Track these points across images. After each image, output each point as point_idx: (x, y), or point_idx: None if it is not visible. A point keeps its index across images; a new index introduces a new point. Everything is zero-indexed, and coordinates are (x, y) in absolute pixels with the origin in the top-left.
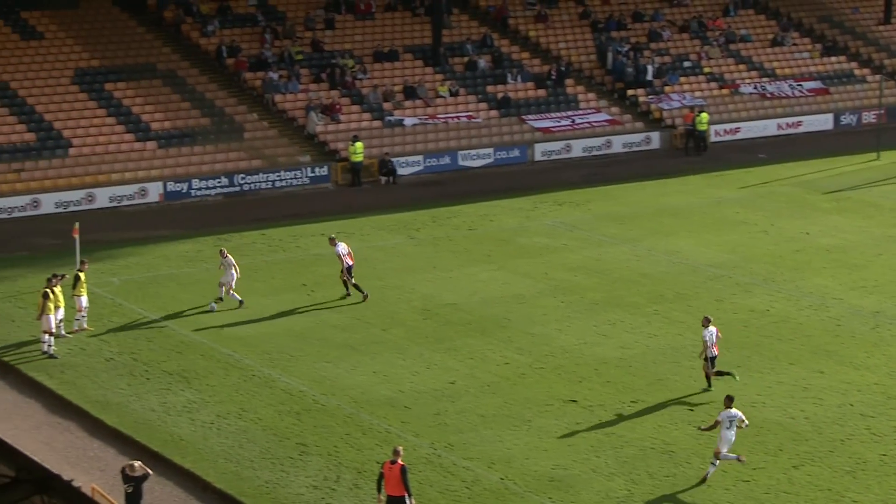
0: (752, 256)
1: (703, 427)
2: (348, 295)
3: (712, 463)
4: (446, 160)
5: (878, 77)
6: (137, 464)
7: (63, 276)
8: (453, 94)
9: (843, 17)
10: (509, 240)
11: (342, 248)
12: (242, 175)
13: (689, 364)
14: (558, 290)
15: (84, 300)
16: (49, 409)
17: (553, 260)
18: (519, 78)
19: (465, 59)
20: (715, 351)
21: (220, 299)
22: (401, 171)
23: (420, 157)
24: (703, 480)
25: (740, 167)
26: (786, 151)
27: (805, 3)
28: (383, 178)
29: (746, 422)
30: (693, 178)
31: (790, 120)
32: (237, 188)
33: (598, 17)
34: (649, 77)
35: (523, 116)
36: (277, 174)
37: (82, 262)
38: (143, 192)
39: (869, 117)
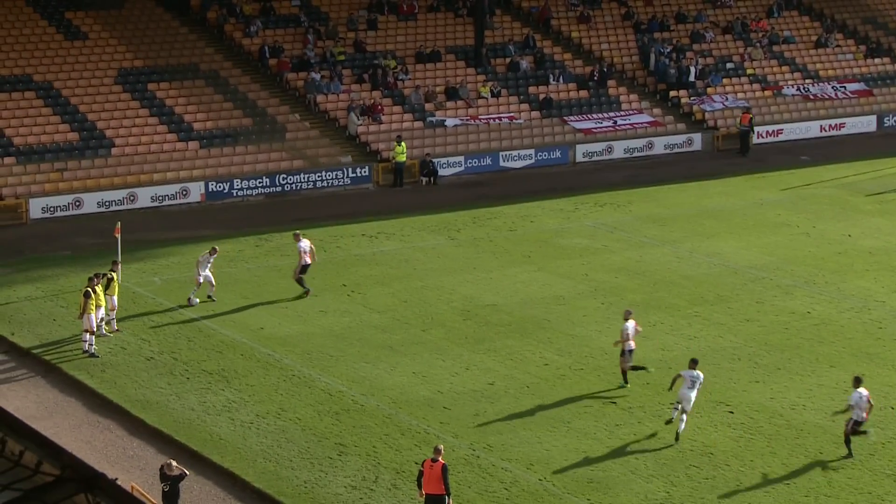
0: (794, 258)
1: (670, 388)
2: (307, 293)
3: (677, 410)
4: (487, 161)
5: None
6: (174, 463)
7: (104, 275)
8: (495, 94)
9: (887, 19)
10: (550, 241)
11: (305, 244)
12: (284, 175)
13: (729, 366)
14: (598, 292)
15: (115, 300)
16: (89, 408)
17: (593, 261)
18: (561, 79)
19: (508, 59)
20: (632, 345)
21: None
22: (442, 172)
23: (461, 158)
24: (676, 437)
25: (783, 169)
26: (828, 153)
27: (849, 5)
28: (424, 179)
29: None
30: (735, 180)
31: (833, 122)
32: (278, 188)
33: (640, 18)
34: (692, 78)
35: (565, 117)
36: (319, 174)
37: (114, 263)
38: (184, 192)
39: None
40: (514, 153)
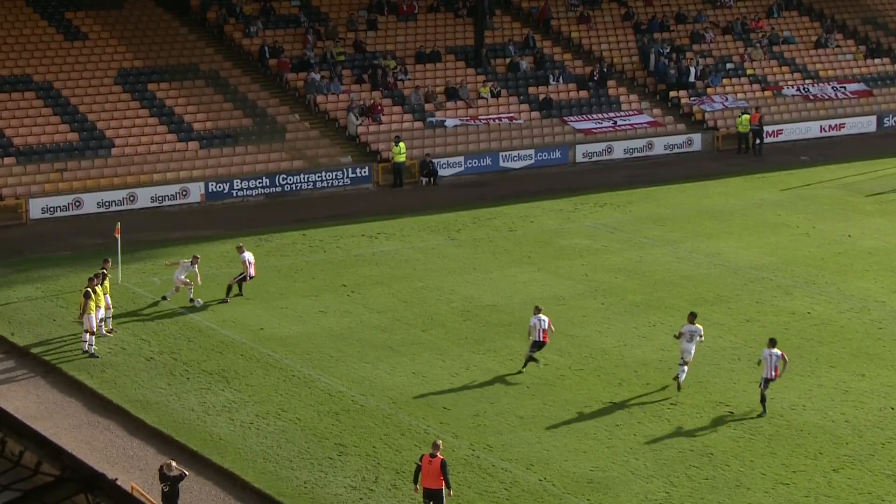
0: (794, 259)
1: (677, 336)
2: (240, 294)
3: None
4: (487, 161)
5: None
6: (174, 464)
7: (104, 275)
8: (495, 95)
9: (887, 19)
10: (550, 241)
11: (248, 256)
12: (284, 175)
13: (729, 367)
14: (598, 292)
15: (108, 299)
16: (89, 408)
17: (593, 261)
18: (561, 79)
19: (508, 60)
20: (544, 338)
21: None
22: (442, 172)
23: (461, 158)
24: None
25: (783, 169)
26: (828, 153)
27: (849, 5)
28: (424, 179)
29: (703, 338)
30: (735, 180)
31: (833, 122)
32: (278, 189)
33: (640, 18)
34: (692, 79)
35: (565, 118)
36: (319, 175)
37: (105, 261)
38: (184, 193)
39: None
40: (514, 153)
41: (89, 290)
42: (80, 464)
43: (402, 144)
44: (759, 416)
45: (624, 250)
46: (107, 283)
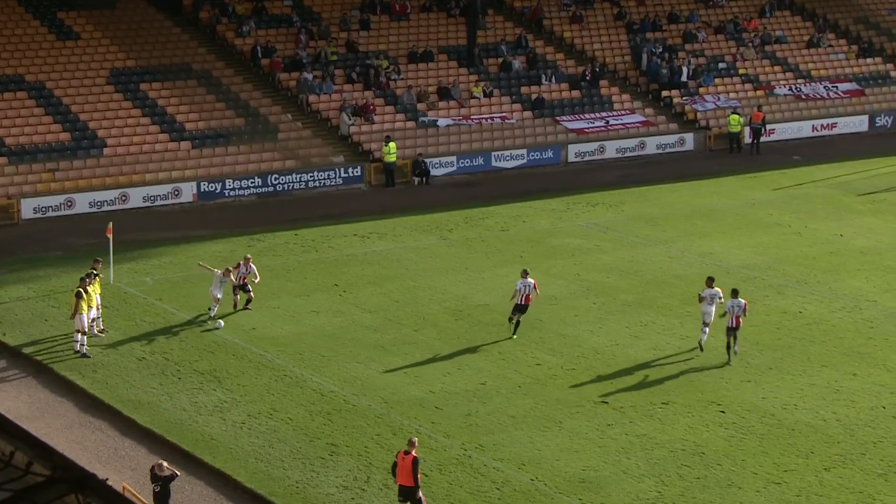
0: (786, 258)
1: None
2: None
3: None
4: (480, 161)
5: None
6: (165, 464)
7: (96, 275)
8: (487, 94)
9: (879, 19)
10: (542, 241)
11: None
12: (276, 175)
13: (720, 366)
14: (591, 292)
15: (98, 298)
16: (81, 409)
17: (586, 261)
18: (553, 79)
19: (500, 59)
20: (527, 301)
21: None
22: (434, 172)
23: (453, 158)
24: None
25: (775, 169)
26: (820, 153)
27: (841, 5)
28: (416, 179)
29: (722, 300)
30: (727, 180)
31: (825, 121)
32: (271, 188)
33: (633, 18)
34: (684, 78)
35: (557, 117)
36: (311, 174)
37: (96, 261)
38: (176, 192)
39: None
40: (507, 153)
41: (81, 290)
42: (71, 464)
43: (392, 144)
44: (725, 364)
45: (616, 250)
46: (97, 281)
